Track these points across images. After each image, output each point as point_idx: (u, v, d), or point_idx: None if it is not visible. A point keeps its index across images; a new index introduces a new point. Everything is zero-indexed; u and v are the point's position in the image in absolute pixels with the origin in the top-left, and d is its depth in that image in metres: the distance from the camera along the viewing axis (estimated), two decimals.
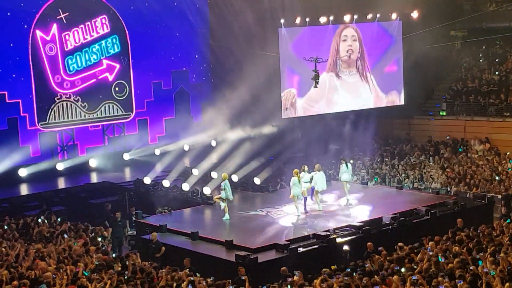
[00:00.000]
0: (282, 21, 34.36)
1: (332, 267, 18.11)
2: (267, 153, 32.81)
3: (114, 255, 20.91)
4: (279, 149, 33.35)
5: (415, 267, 17.56)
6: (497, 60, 40.35)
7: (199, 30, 36.61)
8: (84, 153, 33.80)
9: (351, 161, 31.56)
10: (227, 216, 25.09)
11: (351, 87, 36.87)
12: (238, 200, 28.31)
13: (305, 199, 25.63)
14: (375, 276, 16.90)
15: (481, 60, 41.03)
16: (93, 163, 33.60)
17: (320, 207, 25.66)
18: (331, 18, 35.31)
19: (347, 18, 35.75)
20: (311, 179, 25.60)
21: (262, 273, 19.60)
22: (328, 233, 22.45)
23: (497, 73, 39.24)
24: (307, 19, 34.87)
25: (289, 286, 16.57)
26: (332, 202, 26.89)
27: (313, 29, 35.49)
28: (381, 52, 37.48)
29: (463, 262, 17.22)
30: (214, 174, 30.18)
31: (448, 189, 30.07)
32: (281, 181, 30.06)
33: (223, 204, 24.93)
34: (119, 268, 18.86)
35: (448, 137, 37.66)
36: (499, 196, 28.48)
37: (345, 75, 36.62)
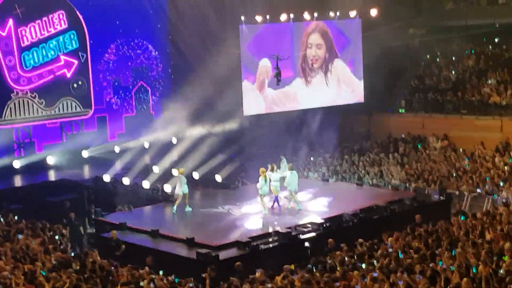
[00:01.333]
0: (242, 18, 34.30)
1: (291, 266, 18.13)
2: (228, 150, 32.75)
3: (73, 254, 20.65)
4: (241, 146, 33.31)
5: (375, 262, 17.68)
6: (454, 58, 40.80)
7: (159, 26, 36.41)
8: (42, 150, 33.41)
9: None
10: (188, 208, 25.50)
11: (315, 89, 36.98)
12: (200, 198, 28.28)
13: (276, 197, 25.61)
14: (336, 272, 16.98)
15: (438, 59, 41.44)
16: (50, 160, 33.20)
17: (300, 206, 25.60)
18: (292, 15, 35.34)
19: (307, 16, 35.82)
20: (285, 178, 25.66)
21: (224, 271, 19.53)
22: (290, 230, 22.49)
23: (453, 72, 39.67)
24: (268, 16, 34.87)
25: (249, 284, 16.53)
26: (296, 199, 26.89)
27: (274, 26, 35.51)
28: (342, 50, 37.59)
29: (422, 258, 17.39)
30: (174, 172, 30.04)
31: (407, 185, 30.35)
32: (242, 178, 30.03)
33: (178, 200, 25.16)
34: (78, 267, 18.68)
35: (403, 135, 37.95)
36: (457, 192, 28.86)
37: (311, 78, 36.76)
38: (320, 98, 37.09)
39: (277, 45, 34.92)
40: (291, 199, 25.84)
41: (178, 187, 25.80)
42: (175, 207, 25.56)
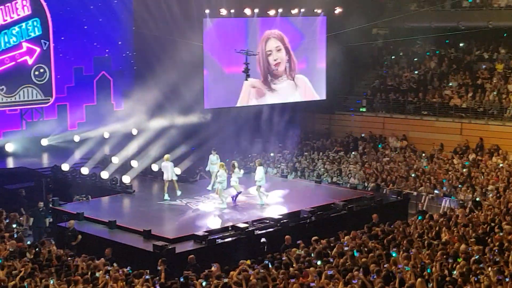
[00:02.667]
0: (207, 11, 34.28)
1: (247, 262, 18.20)
2: (188, 143, 32.66)
3: (28, 243, 20.49)
4: (201, 140, 33.24)
5: (331, 260, 17.81)
6: (415, 59, 41.18)
7: (123, 16, 36.06)
8: (1, 137, 32.99)
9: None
10: (166, 196, 25.92)
11: (279, 91, 37.17)
12: (157, 190, 28.21)
13: (238, 193, 25.72)
14: (292, 269, 17.07)
15: (400, 60, 41.78)
16: (9, 147, 32.80)
17: (263, 201, 25.72)
18: (256, 10, 35.41)
19: (271, 12, 35.90)
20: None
21: (180, 264, 19.54)
22: (247, 225, 22.56)
23: (416, 72, 40.06)
24: (232, 11, 34.87)
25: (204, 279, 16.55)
26: (252, 195, 26.96)
27: (238, 21, 35.56)
28: (297, 47, 37.70)
29: (377, 257, 17.56)
30: (134, 163, 29.94)
31: (366, 184, 30.58)
32: (201, 172, 30.02)
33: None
34: (32, 256, 18.56)
35: (363, 135, 38.25)
36: (414, 193, 29.15)
37: (275, 84, 36.93)
38: (281, 94, 37.26)
39: (240, 40, 35.01)
40: (260, 194, 25.91)
41: (165, 174, 26.20)
42: (166, 195, 26.08)
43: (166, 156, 26.95)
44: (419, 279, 15.11)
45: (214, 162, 27.18)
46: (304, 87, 38.01)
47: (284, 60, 36.97)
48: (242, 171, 26.42)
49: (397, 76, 40.36)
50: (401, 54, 42.10)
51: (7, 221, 22.83)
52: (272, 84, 36.87)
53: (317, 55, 38.33)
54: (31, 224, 24.78)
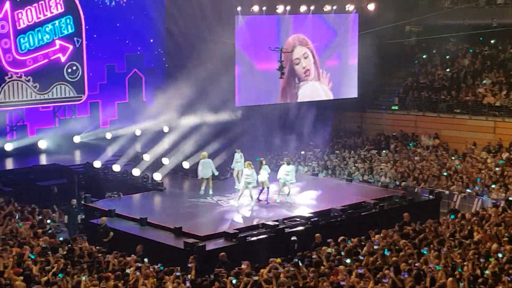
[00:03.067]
0: (238, 8, 34.31)
1: (278, 260, 18.19)
2: (219, 141, 32.71)
3: (61, 239, 20.66)
4: (232, 137, 33.28)
5: (361, 257, 17.75)
6: (448, 57, 40.84)
7: (155, 14, 36.23)
8: (34, 134, 33.33)
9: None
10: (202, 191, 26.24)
11: (309, 90, 37.18)
12: (188, 188, 28.31)
13: (268, 189, 25.62)
14: (322, 267, 17.04)
15: (433, 58, 41.47)
16: (42, 144, 33.14)
17: (289, 199, 25.69)
18: (288, 8, 35.36)
19: (303, 9, 35.83)
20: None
21: (210, 262, 19.58)
22: (277, 223, 22.52)
23: (449, 70, 39.73)
24: (264, 8, 34.86)
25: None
26: (284, 192, 26.89)
27: (270, 18, 35.55)
28: (334, 46, 37.61)
29: (408, 256, 17.45)
30: (165, 160, 30.04)
31: (397, 183, 30.40)
32: (232, 170, 30.00)
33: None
34: (65, 252, 18.72)
35: (394, 134, 38.03)
36: (446, 192, 28.93)
37: (303, 84, 36.92)
38: (312, 92, 37.19)
39: (272, 37, 35.04)
40: (284, 192, 25.86)
41: (199, 171, 26.54)
42: (201, 190, 26.42)
43: (203, 153, 27.16)
44: (450, 279, 15.00)
45: (238, 161, 27.14)
46: (331, 84, 37.88)
47: (312, 65, 36.88)
48: (267, 169, 26.24)
49: (429, 74, 40.06)
50: (434, 51, 41.77)
51: (40, 217, 23.04)
52: (300, 86, 36.78)
53: (349, 52, 38.16)
54: (66, 222, 24.91)
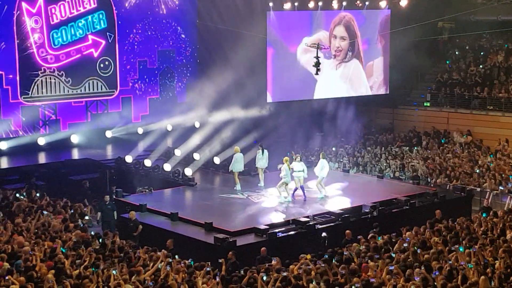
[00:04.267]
0: (270, 4, 34.32)
1: (308, 256, 18.17)
2: (250, 137, 32.74)
3: (92, 233, 20.80)
4: (263, 133, 33.30)
5: (393, 255, 17.66)
6: (482, 53, 40.48)
7: (187, 9, 36.33)
8: (66, 128, 33.55)
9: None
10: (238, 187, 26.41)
11: (339, 79, 37.02)
12: (219, 183, 28.36)
13: (302, 187, 25.53)
14: (352, 264, 16.99)
15: (466, 54, 41.11)
16: (74, 139, 33.38)
17: (323, 194, 25.68)
18: (320, 3, 35.26)
19: (335, 5, 35.73)
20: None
21: (240, 257, 19.60)
22: (308, 219, 22.50)
23: (481, 66, 39.37)
24: (296, 4, 34.81)
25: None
26: (315, 188, 26.87)
27: (302, 14, 35.51)
28: (368, 41, 37.51)
29: (439, 254, 17.34)
30: (196, 156, 30.13)
31: (429, 180, 30.20)
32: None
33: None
34: (97, 246, 18.86)
35: (427, 130, 37.76)
36: (478, 189, 28.68)
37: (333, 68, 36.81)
38: (342, 88, 37.09)
39: (304, 33, 35.03)
40: (320, 188, 25.84)
41: (232, 165, 26.71)
42: (237, 186, 26.53)
43: (235, 148, 27.30)
44: (482, 277, 14.87)
45: (260, 157, 26.99)
46: (361, 80, 37.70)
47: (345, 49, 36.70)
48: (302, 165, 26.18)
49: (462, 71, 39.73)
50: (467, 47, 41.42)
51: (72, 211, 23.23)
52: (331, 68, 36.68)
53: (381, 48, 37.99)
54: (98, 219, 24.99)
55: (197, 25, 36.57)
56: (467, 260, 16.37)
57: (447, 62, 41.38)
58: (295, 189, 25.50)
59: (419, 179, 29.86)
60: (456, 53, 41.54)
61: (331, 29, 36.25)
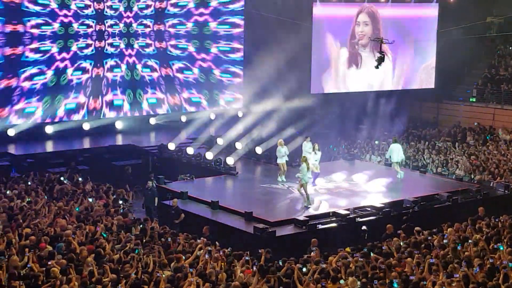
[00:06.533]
0: None
1: (347, 249, 18.13)
2: (293, 128, 32.69)
3: (133, 218, 21.00)
4: (306, 124, 33.25)
5: (432, 251, 17.54)
6: None
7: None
8: (111, 114, 33.77)
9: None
10: (282, 178, 26.29)
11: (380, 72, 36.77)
12: (260, 173, 28.41)
13: (317, 174, 25.71)
14: (392, 258, 16.92)
15: (510, 48, 40.51)
16: (119, 125, 33.64)
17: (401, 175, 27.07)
18: None
19: None
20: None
21: (279, 247, 19.64)
22: (348, 212, 22.44)
23: None
24: None
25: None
26: (356, 181, 26.81)
27: (348, 6, 35.41)
28: (414, 35, 37.19)
29: (481, 251, 17.18)
30: (238, 145, 30.20)
31: (472, 176, 29.89)
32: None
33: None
34: (138, 232, 19.04)
35: (476, 124, 37.38)
36: None
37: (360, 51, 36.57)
38: (381, 80, 36.87)
39: (350, 26, 34.92)
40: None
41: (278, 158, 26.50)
42: (280, 177, 26.38)
43: (279, 140, 27.05)
44: None
45: (282, 154, 26.72)
46: (401, 73, 37.45)
47: (367, 35, 36.40)
48: (319, 153, 26.17)
49: (509, 67, 39.19)
50: None
51: (114, 196, 23.47)
52: (358, 50, 36.44)
53: (428, 43, 37.66)
54: (143, 203, 25.20)
55: (244, 15, 36.31)
56: (509, 259, 16.20)
57: (498, 52, 40.80)
58: (316, 175, 25.65)
59: (462, 176, 29.57)
60: (505, 47, 40.93)
61: (355, 16, 36.04)
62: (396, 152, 27.47)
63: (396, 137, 28.57)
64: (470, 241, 18.26)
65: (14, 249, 15.98)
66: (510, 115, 36.74)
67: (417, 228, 20.08)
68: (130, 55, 33.55)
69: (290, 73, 33.42)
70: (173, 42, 34.65)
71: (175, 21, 34.51)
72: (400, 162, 27.86)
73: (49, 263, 15.20)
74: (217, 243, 18.64)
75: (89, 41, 32.33)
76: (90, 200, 22.27)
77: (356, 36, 36.18)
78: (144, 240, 17.97)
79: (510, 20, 39.52)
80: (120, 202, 22.99)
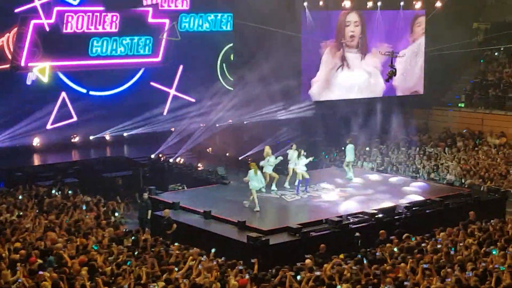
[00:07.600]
0: (305, 3, 34.24)
1: (341, 256, 18.10)
2: (282, 137, 32.70)
3: (124, 230, 20.89)
4: (296, 132, 33.24)
5: (425, 256, 17.54)
6: None
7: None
8: None
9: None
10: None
11: (369, 77, 36.90)
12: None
13: (307, 180, 25.87)
14: (385, 264, 16.89)
15: (497, 54, 40.64)
16: (108, 136, 33.51)
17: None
18: (355, 3, 35.10)
19: (370, 5, 35.60)
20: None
21: (273, 256, 19.58)
22: (341, 218, 22.41)
23: None
24: (330, 3, 34.73)
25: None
26: (348, 188, 26.81)
27: (336, 13, 35.46)
28: (402, 42, 37.28)
29: (473, 255, 17.18)
30: (229, 154, 30.20)
31: (463, 181, 29.97)
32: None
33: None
34: (130, 244, 18.93)
35: (465, 130, 37.48)
36: None
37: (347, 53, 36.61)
38: (371, 87, 36.90)
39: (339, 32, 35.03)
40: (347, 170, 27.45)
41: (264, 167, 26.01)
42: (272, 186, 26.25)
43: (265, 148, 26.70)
44: None
45: (269, 164, 26.62)
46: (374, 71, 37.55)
47: (357, 35, 36.46)
48: (307, 160, 26.15)
49: (497, 72, 39.34)
50: (502, 49, 40.99)
51: (105, 209, 23.36)
52: (345, 52, 36.41)
53: (416, 49, 37.76)
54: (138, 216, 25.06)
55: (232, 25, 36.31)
56: (501, 262, 16.21)
57: (481, 60, 40.97)
58: (299, 182, 25.76)
59: (453, 180, 29.64)
60: (491, 53, 41.10)
61: (344, 17, 35.98)
62: (351, 152, 28.19)
63: (351, 139, 29.24)
64: (461, 244, 18.30)
65: (4, 264, 15.84)
66: (498, 120, 36.83)
67: (406, 234, 20.06)
68: None
69: (280, 82, 33.39)
70: None
71: None
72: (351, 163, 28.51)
73: (40, 273, 15.03)
74: (213, 250, 18.44)
75: None
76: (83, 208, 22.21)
77: (346, 37, 36.21)
78: (136, 252, 17.87)
79: (496, 25, 39.68)
80: (117, 214, 22.90)
